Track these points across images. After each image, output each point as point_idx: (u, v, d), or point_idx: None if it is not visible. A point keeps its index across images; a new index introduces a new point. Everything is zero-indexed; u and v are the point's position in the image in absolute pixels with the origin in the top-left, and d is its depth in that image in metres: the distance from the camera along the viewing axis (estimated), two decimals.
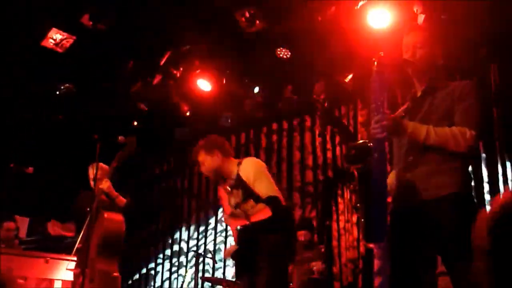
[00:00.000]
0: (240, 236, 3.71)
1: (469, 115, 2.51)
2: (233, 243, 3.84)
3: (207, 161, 3.83)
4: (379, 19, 4.94)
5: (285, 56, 5.50)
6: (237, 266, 3.83)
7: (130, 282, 8.56)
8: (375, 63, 2.59)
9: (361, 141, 2.47)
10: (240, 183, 3.69)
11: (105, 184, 4.71)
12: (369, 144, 2.45)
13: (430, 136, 2.46)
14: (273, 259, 3.51)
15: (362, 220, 2.47)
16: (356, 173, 2.48)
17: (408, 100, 2.79)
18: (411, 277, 2.50)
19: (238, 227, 3.73)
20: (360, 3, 4.96)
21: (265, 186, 3.59)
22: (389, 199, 2.57)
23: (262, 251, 3.54)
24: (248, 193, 3.63)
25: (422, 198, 2.47)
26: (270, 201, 3.52)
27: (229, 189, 3.81)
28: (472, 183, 2.64)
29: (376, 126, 2.45)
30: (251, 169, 3.68)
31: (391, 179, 2.66)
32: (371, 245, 2.32)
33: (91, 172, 5.11)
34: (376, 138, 2.45)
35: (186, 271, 7.83)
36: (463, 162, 2.52)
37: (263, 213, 3.54)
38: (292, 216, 3.87)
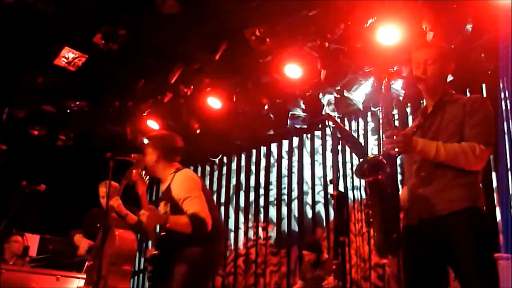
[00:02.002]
0: (160, 241, 3.54)
1: (478, 129, 2.51)
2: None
3: (147, 154, 3.67)
4: (389, 36, 4.96)
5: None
6: (153, 271, 3.52)
7: None
8: (385, 79, 2.63)
9: (372, 155, 2.47)
10: (168, 199, 3.53)
11: (115, 202, 4.72)
12: (380, 158, 2.45)
13: (440, 153, 2.47)
14: (190, 270, 3.37)
15: (375, 234, 2.46)
16: (368, 187, 2.47)
17: (419, 116, 2.80)
18: None
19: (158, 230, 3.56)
20: (370, 21, 4.99)
21: (193, 205, 3.40)
22: (401, 215, 2.57)
23: (181, 259, 3.41)
24: (175, 209, 3.46)
25: (436, 213, 2.48)
26: (194, 219, 3.34)
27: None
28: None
29: (388, 142, 2.48)
30: (182, 186, 3.49)
31: (403, 194, 2.67)
32: (384, 260, 2.31)
33: (102, 190, 5.14)
34: (387, 153, 2.48)
35: None
36: (475, 177, 2.53)
37: (183, 224, 3.35)
38: (218, 233, 3.58)
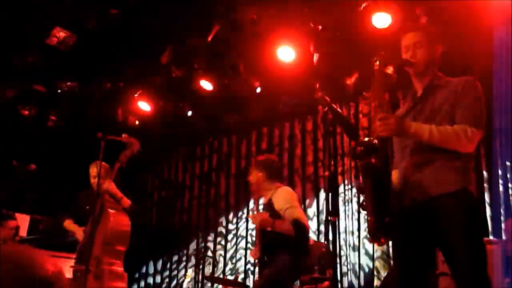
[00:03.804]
0: (263, 239, 4.18)
1: (470, 111, 2.52)
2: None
3: (252, 174, 4.40)
4: (381, 21, 4.96)
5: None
6: (259, 266, 4.28)
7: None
8: (377, 62, 2.64)
9: (367, 139, 2.48)
10: (269, 209, 4.15)
11: (109, 185, 4.72)
12: (375, 142, 2.46)
13: (433, 135, 2.48)
14: (275, 275, 3.96)
15: (368, 218, 2.47)
16: (361, 170, 2.47)
17: (408, 100, 2.82)
18: (418, 274, 2.53)
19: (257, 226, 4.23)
20: (363, 5, 4.99)
21: (295, 213, 4.05)
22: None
23: (271, 264, 4.03)
24: (274, 217, 4.07)
25: (428, 195, 2.51)
26: (296, 224, 3.98)
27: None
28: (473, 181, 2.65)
29: (380, 124, 2.48)
30: (284, 199, 4.15)
31: (394, 177, 2.66)
32: (377, 244, 2.33)
33: (93, 170, 5.11)
34: (380, 137, 2.48)
35: (186, 270, 7.85)
36: (467, 161, 2.56)
37: (287, 227, 3.99)
38: (308, 244, 4.32)
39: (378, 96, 2.61)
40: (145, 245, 8.47)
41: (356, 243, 6.16)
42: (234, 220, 7.70)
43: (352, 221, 6.30)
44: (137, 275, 8.65)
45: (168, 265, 8.35)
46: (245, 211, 7.57)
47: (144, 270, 8.66)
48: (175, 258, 8.30)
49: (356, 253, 6.13)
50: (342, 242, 6.24)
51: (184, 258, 8.17)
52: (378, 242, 2.42)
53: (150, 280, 8.56)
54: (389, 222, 2.38)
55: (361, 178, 2.50)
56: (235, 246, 7.55)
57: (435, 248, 2.59)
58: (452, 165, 2.51)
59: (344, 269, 6.18)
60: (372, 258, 5.96)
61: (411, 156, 2.62)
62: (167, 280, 8.28)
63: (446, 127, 2.51)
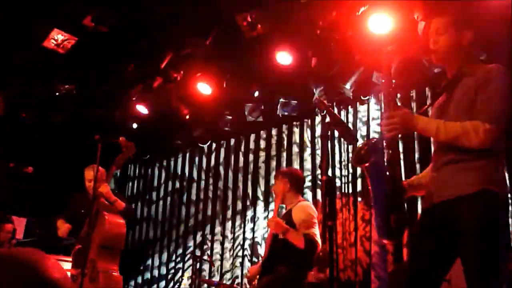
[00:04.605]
0: (272, 243, 4.27)
1: (488, 105, 2.27)
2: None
3: (275, 185, 4.56)
4: (380, 25, 4.96)
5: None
6: (262, 270, 4.36)
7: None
8: (386, 59, 2.55)
9: (369, 140, 2.45)
10: (288, 220, 4.24)
11: (104, 189, 4.73)
12: (374, 141, 2.42)
13: (440, 133, 2.32)
14: (274, 286, 4.05)
15: (376, 217, 2.41)
16: (366, 172, 2.42)
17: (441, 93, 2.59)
18: (426, 282, 2.37)
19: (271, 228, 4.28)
20: (362, 9, 4.99)
21: (311, 229, 4.16)
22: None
23: (272, 273, 4.12)
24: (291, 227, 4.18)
25: (445, 197, 2.35)
26: (308, 238, 4.08)
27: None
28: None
29: (385, 123, 2.39)
30: (304, 213, 4.27)
31: (420, 178, 2.61)
32: (385, 242, 2.30)
33: (88, 173, 5.12)
34: (386, 136, 2.40)
35: (183, 274, 7.83)
36: (491, 157, 2.31)
37: (299, 239, 4.08)
38: (313, 260, 4.35)
39: (388, 93, 2.49)
40: (150, 238, 8.48)
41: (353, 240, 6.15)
42: (237, 223, 7.66)
43: (349, 216, 6.29)
44: (142, 267, 8.63)
45: (173, 257, 8.31)
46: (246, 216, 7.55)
47: (149, 262, 8.60)
48: (180, 251, 8.25)
49: (353, 249, 6.12)
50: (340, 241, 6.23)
51: (189, 251, 8.10)
52: (386, 240, 2.38)
53: (155, 272, 8.50)
54: (396, 221, 2.31)
55: (368, 179, 2.43)
56: (233, 251, 7.53)
57: (453, 256, 2.36)
58: (473, 165, 2.29)
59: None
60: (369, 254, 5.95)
61: (435, 154, 2.48)
62: (172, 271, 8.23)
63: (456, 123, 2.30)
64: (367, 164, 2.41)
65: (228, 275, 7.34)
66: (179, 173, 8.82)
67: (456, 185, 2.31)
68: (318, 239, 4.16)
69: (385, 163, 2.39)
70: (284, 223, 4.16)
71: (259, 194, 7.48)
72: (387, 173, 2.39)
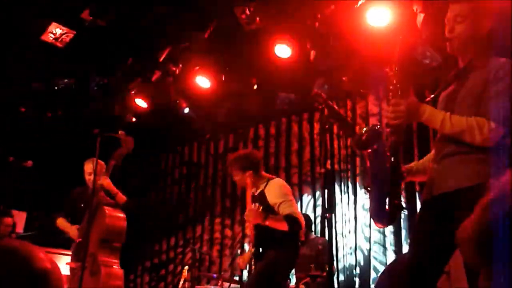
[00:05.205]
0: (257, 233, 4.14)
1: (497, 102, 2.18)
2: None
3: (237, 177, 4.32)
4: (379, 18, 4.96)
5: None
6: (254, 259, 4.20)
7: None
8: (396, 50, 2.48)
9: (371, 126, 2.42)
10: (261, 201, 4.11)
11: (105, 181, 4.73)
12: (377, 128, 2.40)
13: (445, 125, 2.27)
14: (267, 271, 3.97)
15: (371, 203, 2.40)
16: (366, 158, 2.40)
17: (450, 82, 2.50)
18: (424, 273, 2.33)
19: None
20: (360, 2, 4.98)
21: (288, 207, 4.02)
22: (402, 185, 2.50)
23: (263, 259, 4.03)
24: (267, 210, 4.05)
25: (444, 190, 2.32)
26: (289, 218, 3.95)
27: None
28: None
29: (391, 111, 2.35)
30: (277, 193, 4.12)
31: (419, 165, 2.59)
32: (380, 226, 2.29)
33: (88, 167, 5.11)
34: (391, 124, 2.37)
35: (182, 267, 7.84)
36: (492, 153, 2.21)
37: (281, 223, 3.96)
38: (300, 236, 4.30)
39: (392, 81, 2.43)
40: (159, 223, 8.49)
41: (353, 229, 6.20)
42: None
43: (348, 206, 6.33)
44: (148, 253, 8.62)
45: (181, 242, 8.33)
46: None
47: (157, 247, 8.60)
48: (189, 235, 8.26)
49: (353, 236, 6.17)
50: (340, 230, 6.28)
51: (199, 234, 8.11)
52: (381, 225, 2.37)
53: (164, 257, 8.50)
54: (391, 207, 2.30)
55: (368, 165, 2.39)
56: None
57: (452, 248, 2.30)
58: (473, 157, 2.23)
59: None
60: (369, 240, 5.99)
61: (437, 144, 2.43)
62: (180, 256, 8.25)
63: (462, 117, 2.25)
64: (369, 151, 2.38)
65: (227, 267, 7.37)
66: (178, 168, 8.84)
67: (455, 178, 2.28)
68: (298, 213, 4.07)
69: (386, 151, 2.37)
70: (261, 210, 4.02)
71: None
72: (386, 160, 2.37)
